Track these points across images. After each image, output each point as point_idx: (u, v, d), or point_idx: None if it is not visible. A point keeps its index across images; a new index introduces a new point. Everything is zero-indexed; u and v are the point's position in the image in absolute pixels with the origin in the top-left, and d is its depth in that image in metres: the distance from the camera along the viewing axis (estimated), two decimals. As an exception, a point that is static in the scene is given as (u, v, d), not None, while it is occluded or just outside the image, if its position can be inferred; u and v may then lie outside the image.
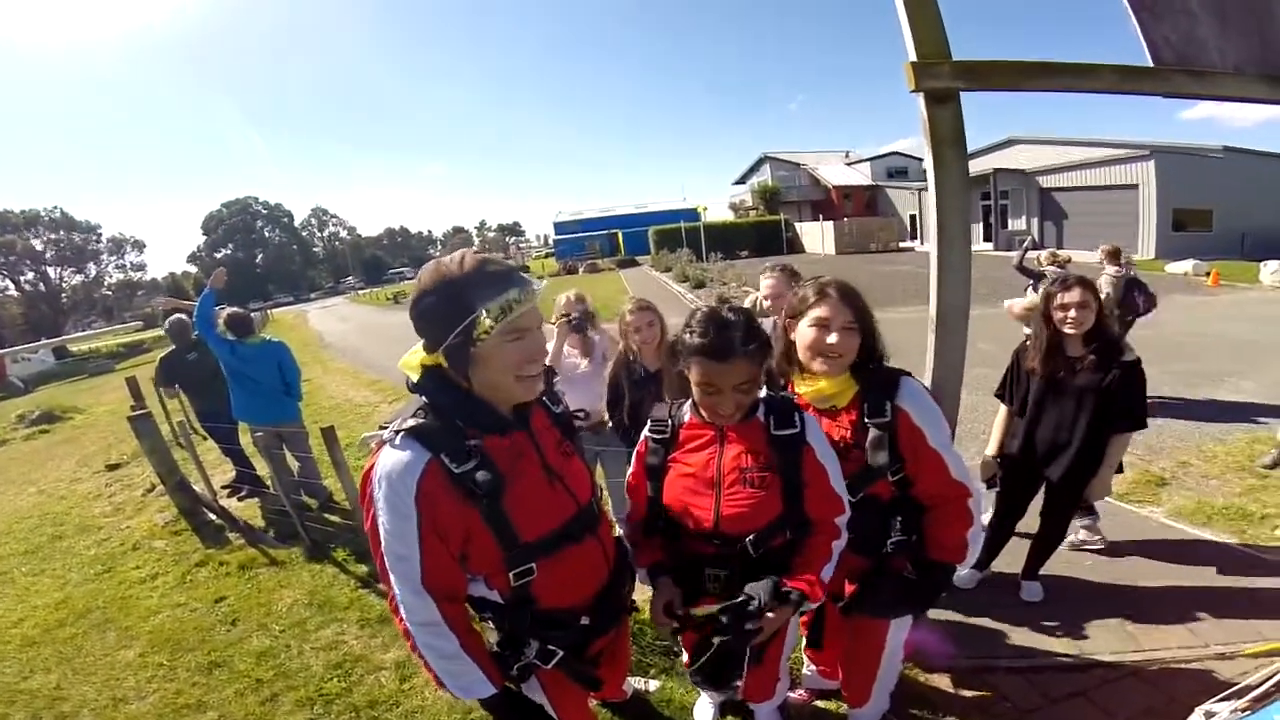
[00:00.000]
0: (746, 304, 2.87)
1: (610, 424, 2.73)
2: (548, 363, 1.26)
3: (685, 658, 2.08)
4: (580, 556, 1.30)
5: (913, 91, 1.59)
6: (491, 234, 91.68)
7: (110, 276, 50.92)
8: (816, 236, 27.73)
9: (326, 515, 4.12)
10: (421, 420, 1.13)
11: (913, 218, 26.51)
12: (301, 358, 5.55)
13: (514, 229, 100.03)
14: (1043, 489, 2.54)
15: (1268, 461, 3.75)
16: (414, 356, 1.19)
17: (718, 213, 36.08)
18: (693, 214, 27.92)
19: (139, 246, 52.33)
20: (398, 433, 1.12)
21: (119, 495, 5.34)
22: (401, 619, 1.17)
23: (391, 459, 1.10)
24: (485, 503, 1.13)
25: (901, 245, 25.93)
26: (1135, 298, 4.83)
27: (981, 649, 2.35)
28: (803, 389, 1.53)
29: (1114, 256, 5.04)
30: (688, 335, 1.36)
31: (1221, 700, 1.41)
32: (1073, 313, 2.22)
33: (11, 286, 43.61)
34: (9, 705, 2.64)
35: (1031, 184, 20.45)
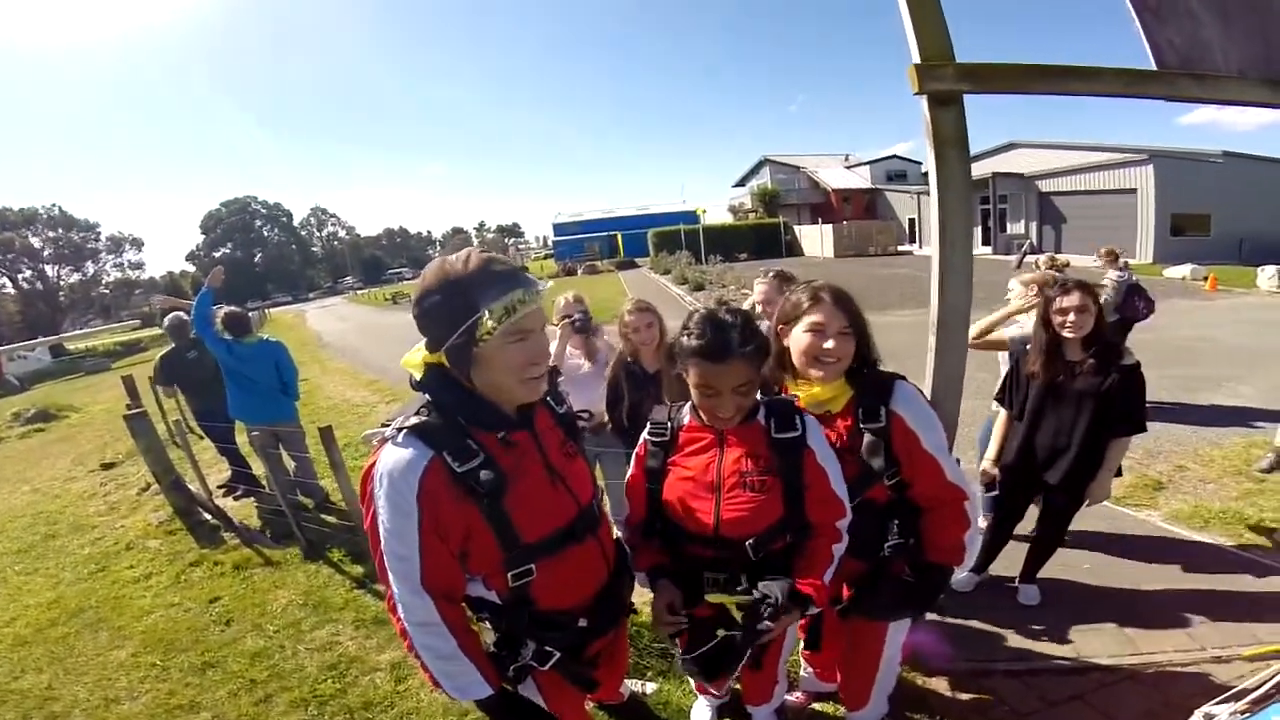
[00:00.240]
0: (745, 306, 2.87)
1: (610, 425, 2.73)
2: (551, 364, 1.25)
3: (679, 654, 2.08)
4: (580, 558, 1.29)
5: (916, 94, 1.59)
6: (490, 235, 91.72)
7: (108, 275, 50.83)
8: (815, 239, 27.76)
9: (322, 515, 4.10)
10: (424, 418, 1.12)
11: (912, 221, 26.56)
12: (299, 357, 5.55)
13: (513, 230, 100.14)
14: (1041, 493, 2.54)
15: (1264, 465, 3.76)
16: (416, 355, 1.18)
17: (717, 215, 36.15)
18: (692, 216, 27.94)
19: (137, 245, 52.29)
20: (400, 430, 1.11)
21: (114, 494, 5.32)
22: (399, 618, 1.16)
23: (393, 456, 1.10)
24: (487, 502, 1.12)
25: (900, 249, 25.97)
26: (1136, 302, 4.84)
27: (979, 652, 2.34)
28: (797, 395, 1.52)
29: (1114, 259, 5.05)
30: (685, 338, 1.35)
31: (1221, 703, 1.41)
32: (1072, 316, 2.21)
33: (9, 284, 43.49)
34: None
35: (1030, 188, 20.52)
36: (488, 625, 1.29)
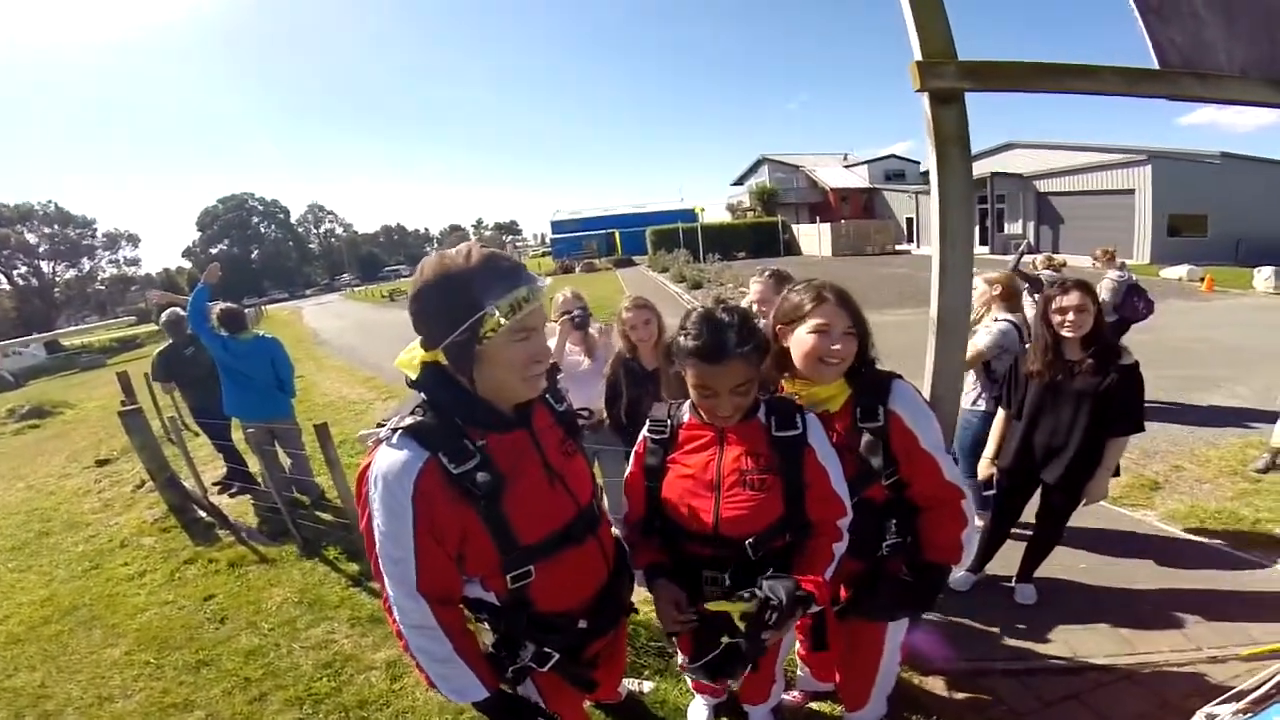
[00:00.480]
0: (744, 304, 2.85)
1: (609, 422, 2.72)
2: (550, 360, 1.23)
3: (680, 658, 2.07)
4: (579, 558, 1.27)
5: (917, 91, 1.58)
6: (488, 232, 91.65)
7: (104, 271, 50.60)
8: (814, 238, 27.77)
9: (318, 513, 4.08)
10: (420, 418, 1.10)
11: (909, 220, 26.57)
12: (296, 354, 5.52)
13: (511, 227, 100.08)
14: (1039, 492, 2.54)
15: (1260, 466, 3.77)
16: (411, 354, 1.15)
17: (715, 214, 36.11)
18: (690, 215, 27.93)
19: (133, 241, 52.06)
20: (395, 431, 1.09)
21: (108, 491, 5.29)
22: (395, 620, 1.14)
23: (388, 458, 1.07)
24: (484, 504, 1.10)
25: (898, 248, 26.00)
26: (1135, 302, 4.85)
27: (976, 651, 2.34)
28: (794, 394, 1.51)
29: (1111, 259, 5.06)
30: (682, 338, 1.34)
31: (1222, 703, 1.41)
32: (1071, 316, 2.21)
33: (4, 280, 43.23)
34: (-8, 703, 2.60)
35: (1028, 188, 20.54)
36: (486, 626, 1.27)
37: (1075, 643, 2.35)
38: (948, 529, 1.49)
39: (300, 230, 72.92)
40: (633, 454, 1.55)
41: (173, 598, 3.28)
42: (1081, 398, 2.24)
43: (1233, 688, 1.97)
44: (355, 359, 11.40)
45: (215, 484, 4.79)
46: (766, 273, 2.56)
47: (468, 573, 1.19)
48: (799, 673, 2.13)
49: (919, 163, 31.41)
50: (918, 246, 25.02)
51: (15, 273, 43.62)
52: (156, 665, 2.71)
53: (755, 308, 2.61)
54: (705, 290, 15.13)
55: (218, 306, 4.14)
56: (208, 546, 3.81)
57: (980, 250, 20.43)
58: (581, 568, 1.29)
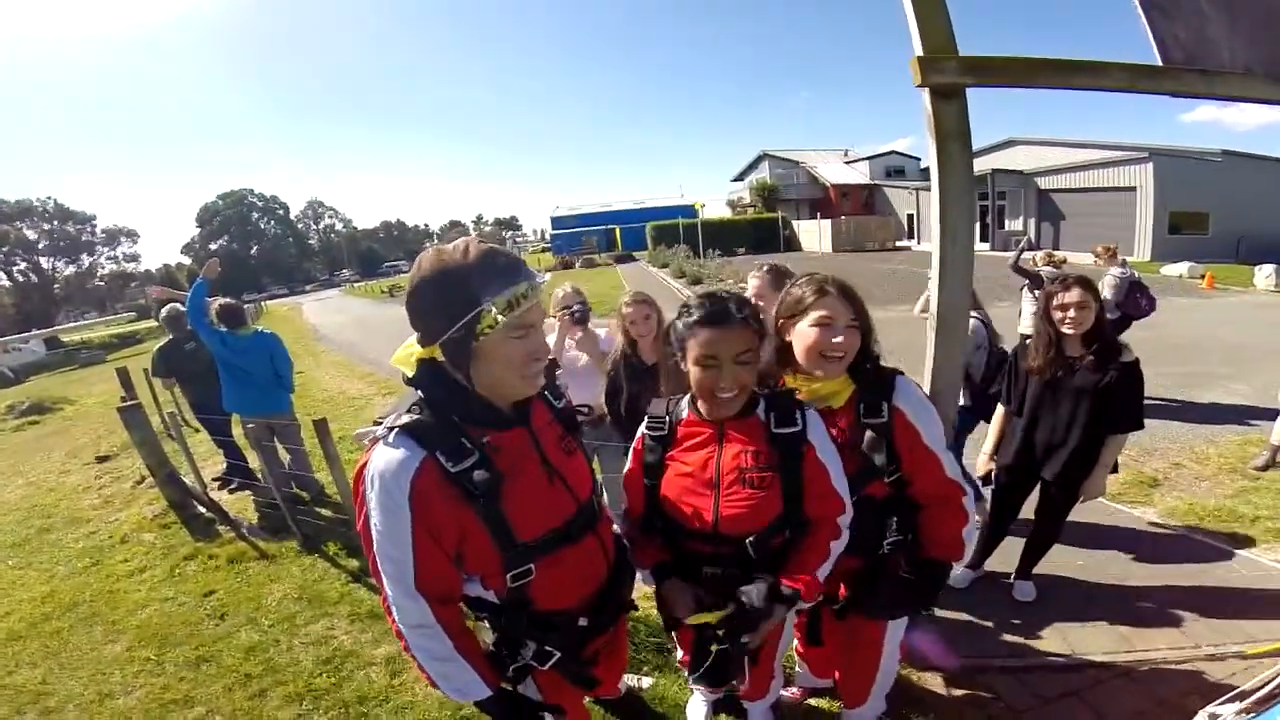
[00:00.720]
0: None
1: (609, 417, 2.71)
2: (549, 356, 1.22)
3: (680, 654, 2.08)
4: (580, 557, 1.27)
5: (919, 86, 1.57)
6: (488, 228, 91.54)
7: (103, 267, 50.60)
8: (814, 234, 27.71)
9: (318, 509, 4.09)
10: (416, 416, 1.09)
11: (910, 217, 26.52)
12: (295, 350, 5.52)
13: (511, 223, 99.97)
14: (1037, 488, 2.54)
15: (1259, 463, 3.78)
16: (408, 351, 1.14)
17: (715, 210, 36.04)
18: (690, 210, 27.83)
19: (133, 237, 51.98)
20: (391, 429, 1.08)
21: (108, 487, 5.29)
22: (394, 620, 1.14)
23: (385, 457, 1.07)
24: (482, 502, 1.09)
25: (898, 244, 25.95)
26: (1138, 299, 4.86)
27: (975, 648, 2.35)
28: (797, 389, 1.50)
29: (1113, 256, 5.05)
30: (684, 316, 1.35)
31: (1225, 703, 1.41)
32: (1072, 312, 2.21)
33: (3, 277, 43.21)
34: (-7, 700, 2.61)
35: (1030, 185, 20.49)
36: (486, 625, 1.27)
37: (1073, 640, 2.35)
38: (949, 526, 1.48)
39: (300, 226, 72.79)
40: (631, 451, 1.54)
41: (173, 594, 3.28)
42: (1081, 394, 2.24)
43: (1230, 685, 1.98)
44: (355, 355, 11.39)
45: (215, 480, 4.79)
46: (765, 268, 2.55)
47: (468, 571, 1.19)
48: (797, 669, 2.14)
49: (920, 159, 31.35)
50: (918, 243, 24.98)
51: (15, 269, 43.61)
52: (157, 661, 2.71)
53: (754, 302, 2.60)
54: (705, 286, 15.11)
55: (217, 302, 4.13)
56: (208, 542, 3.81)
57: (981, 247, 20.39)
58: (582, 566, 1.29)
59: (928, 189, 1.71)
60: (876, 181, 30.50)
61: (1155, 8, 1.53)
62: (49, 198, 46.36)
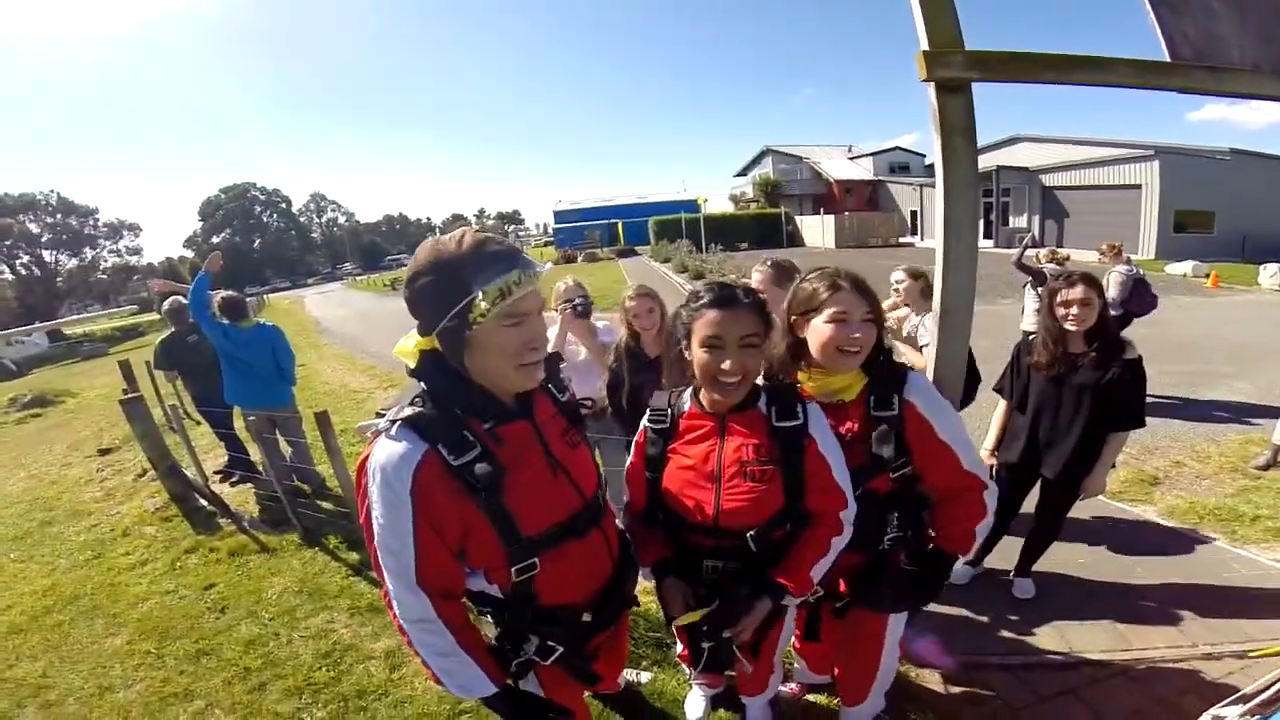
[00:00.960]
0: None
1: (610, 409, 2.71)
2: (551, 350, 1.21)
3: (679, 649, 2.08)
4: (584, 551, 1.26)
5: (924, 81, 1.55)
6: (491, 221, 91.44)
7: (106, 261, 50.60)
8: (817, 230, 27.64)
9: (319, 502, 4.09)
10: (419, 409, 1.08)
11: (914, 213, 26.42)
12: (297, 343, 5.52)
13: (513, 217, 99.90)
14: (1037, 485, 2.53)
15: (1261, 463, 3.76)
16: (409, 342, 1.14)
17: (718, 205, 35.91)
18: (693, 205, 27.76)
19: (135, 231, 51.98)
20: (393, 422, 1.08)
21: (110, 480, 5.31)
22: (395, 614, 1.14)
23: (387, 450, 1.06)
24: (484, 495, 1.08)
25: (902, 240, 25.86)
26: (1144, 296, 4.85)
27: (973, 645, 2.35)
28: (809, 385, 1.49)
29: (1118, 254, 5.03)
30: (690, 303, 1.36)
31: (1229, 705, 1.40)
32: (1075, 309, 2.20)
33: (6, 270, 43.26)
34: (-5, 692, 2.62)
35: (1034, 182, 20.39)
36: (489, 619, 1.26)
37: (1072, 638, 2.35)
38: (965, 519, 1.47)
39: (302, 219, 72.84)
40: (633, 443, 1.54)
41: (174, 587, 3.30)
42: (1083, 391, 2.23)
43: (1227, 685, 1.98)
44: (356, 347, 11.40)
45: (216, 473, 4.80)
46: (768, 262, 2.53)
47: (471, 565, 1.18)
48: (795, 665, 2.14)
49: (924, 155, 31.19)
50: (921, 239, 24.89)
51: (18, 262, 43.64)
52: (157, 655, 2.73)
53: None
54: (707, 281, 15.05)
55: (219, 295, 4.13)
56: (209, 535, 3.83)
57: (985, 244, 20.30)
58: (586, 560, 1.28)
59: (932, 185, 1.70)
60: (880, 177, 30.37)
61: (1164, 4, 1.51)
62: (52, 191, 46.39)
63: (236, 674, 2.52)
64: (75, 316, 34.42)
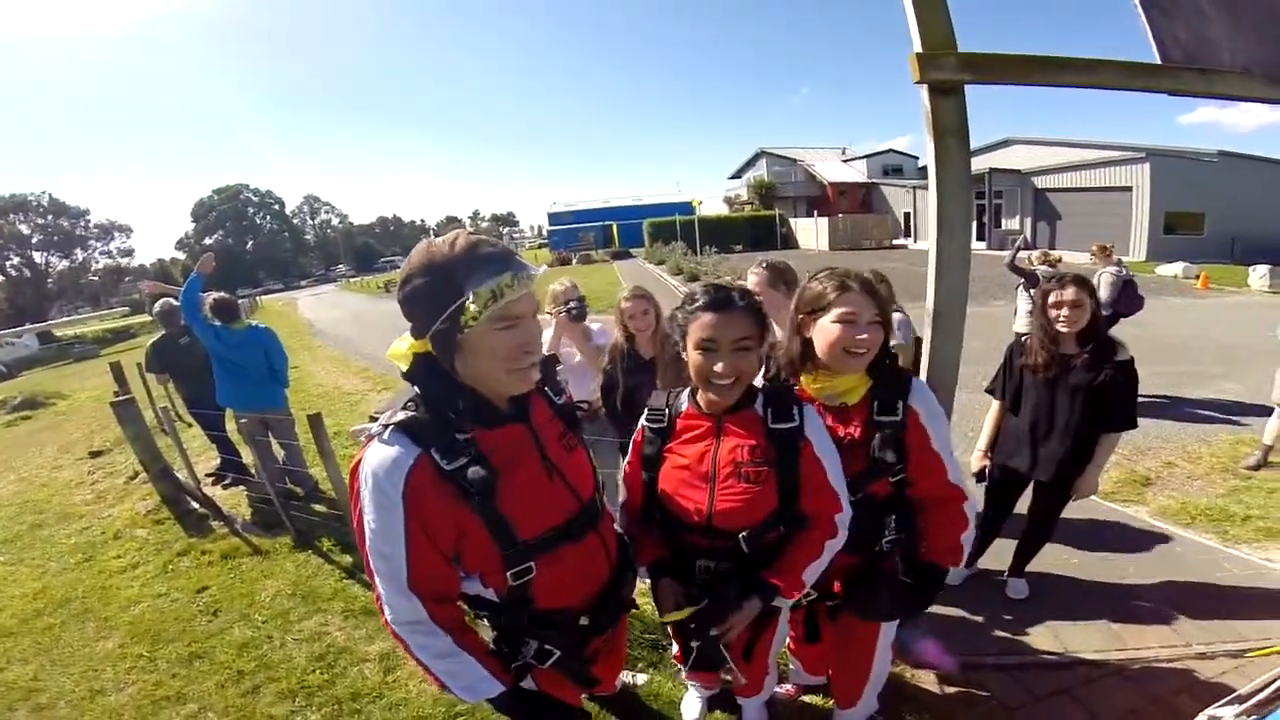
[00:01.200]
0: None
1: (604, 411, 2.70)
2: (545, 353, 1.20)
3: (675, 649, 2.08)
4: (581, 555, 1.25)
5: (917, 83, 1.56)
6: (485, 224, 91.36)
7: (97, 262, 50.15)
8: (811, 232, 27.74)
9: (312, 504, 4.07)
10: (411, 413, 1.08)
11: (907, 215, 26.56)
12: (290, 345, 5.49)
13: (508, 219, 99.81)
14: (1030, 486, 2.54)
15: (1251, 463, 3.80)
16: (403, 344, 1.13)
17: (713, 207, 36.01)
18: (687, 208, 27.83)
19: (126, 232, 51.57)
20: (386, 426, 1.07)
21: (101, 483, 5.26)
22: (387, 620, 1.12)
23: (379, 455, 1.05)
24: (478, 500, 1.08)
25: (895, 243, 25.99)
26: (1134, 296, 4.90)
27: (967, 646, 2.35)
28: (814, 387, 1.49)
29: (1108, 255, 5.07)
30: (685, 305, 1.36)
31: (1225, 705, 1.41)
32: (1066, 310, 2.22)
33: (-4, 271, 42.86)
34: (-17, 696, 2.59)
35: (1026, 184, 20.54)
36: (485, 623, 1.25)
37: (1066, 637, 2.36)
38: (949, 531, 1.48)
39: (296, 221, 72.47)
40: (631, 443, 1.54)
41: (166, 590, 3.27)
42: (1075, 393, 2.25)
43: (1221, 683, 2.00)
44: (350, 350, 11.35)
45: (209, 475, 4.77)
46: (764, 264, 2.53)
47: (467, 569, 1.17)
48: (790, 666, 2.14)
49: (917, 158, 31.35)
50: (915, 241, 25.02)
51: (8, 263, 43.22)
52: (149, 658, 2.70)
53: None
54: (687, 291, 15.04)
55: (211, 297, 4.10)
56: (201, 538, 3.79)
57: (977, 246, 20.43)
58: (583, 564, 1.27)
59: (925, 187, 1.72)
60: (874, 180, 30.52)
61: (1155, 7, 1.53)
62: (43, 192, 45.94)
63: (229, 677, 2.50)
64: (66, 318, 34.12)
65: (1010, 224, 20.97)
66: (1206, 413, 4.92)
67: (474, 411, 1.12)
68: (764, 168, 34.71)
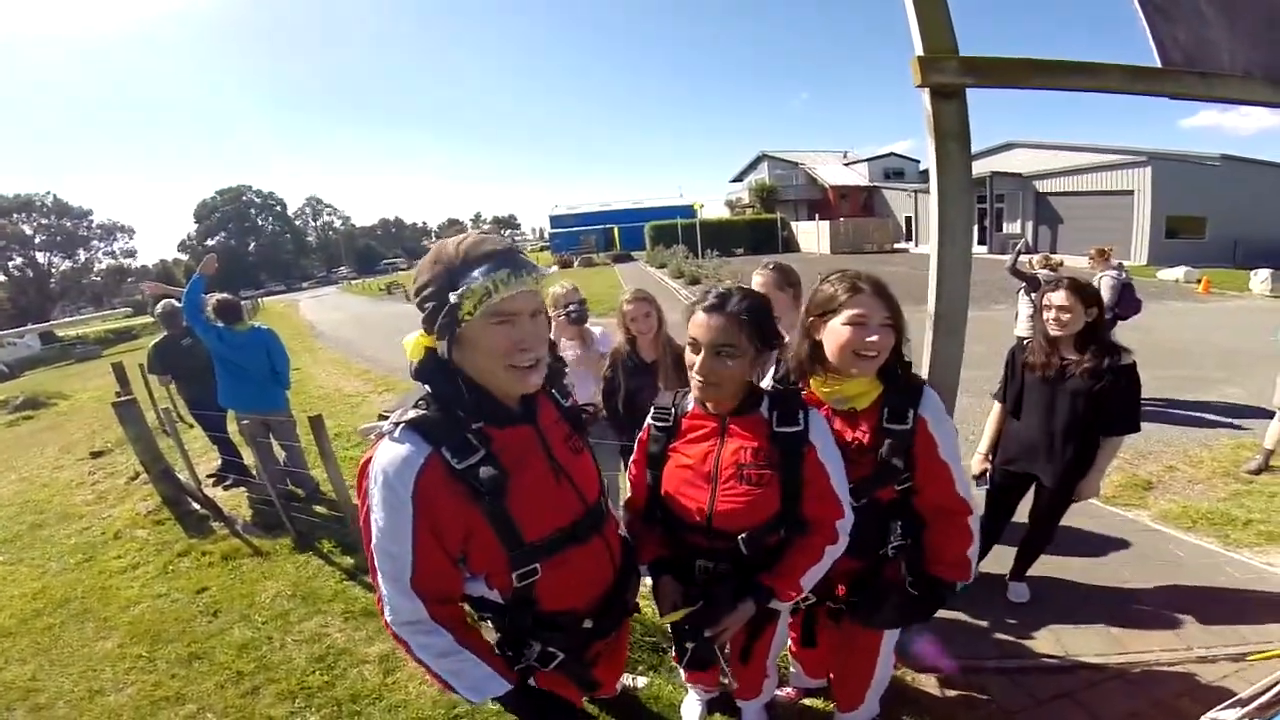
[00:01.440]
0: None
1: (605, 413, 2.70)
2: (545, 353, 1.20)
3: (674, 650, 2.08)
4: (586, 558, 1.25)
5: (918, 86, 1.57)
6: (486, 226, 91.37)
7: (100, 263, 50.27)
8: (812, 236, 27.75)
9: (313, 506, 4.07)
10: (422, 411, 1.08)
11: (908, 219, 26.57)
12: (292, 347, 5.49)
13: (509, 222, 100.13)
14: (1032, 490, 2.54)
15: (1252, 467, 3.79)
16: (417, 335, 1.15)
17: (714, 210, 36.11)
18: (689, 211, 27.84)
19: (129, 233, 51.70)
20: (397, 425, 1.07)
21: (102, 483, 5.26)
22: (387, 621, 1.12)
23: (390, 453, 1.06)
24: (487, 500, 1.08)
25: (896, 246, 26.01)
26: (1134, 299, 4.90)
27: (969, 649, 2.35)
28: (823, 390, 1.47)
29: (1106, 259, 5.08)
30: (694, 301, 1.38)
31: (1227, 708, 1.40)
32: (1053, 313, 2.23)
33: (-1, 272, 42.98)
34: (-17, 696, 2.59)
35: (1028, 188, 20.55)
36: (489, 625, 1.25)
37: (1067, 641, 2.36)
38: (954, 544, 1.46)
39: (298, 223, 72.70)
40: (637, 442, 1.54)
41: (166, 590, 3.26)
42: (1078, 396, 2.24)
43: (1223, 688, 1.99)
44: (351, 352, 11.34)
45: (210, 476, 4.77)
46: (770, 265, 2.52)
47: (472, 570, 1.17)
48: (791, 669, 2.13)
49: (919, 161, 31.39)
50: (916, 245, 25.02)
51: (11, 264, 43.33)
52: (149, 658, 2.70)
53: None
54: (703, 286, 15.07)
55: (214, 298, 4.11)
56: (201, 539, 3.79)
57: (979, 250, 20.44)
58: (588, 567, 1.27)
59: (926, 191, 1.72)
60: (875, 183, 30.55)
61: (1156, 10, 1.53)
62: (48, 192, 46.07)
63: (229, 678, 2.50)
64: (68, 319, 34.22)
65: (1011, 228, 20.98)
66: (1208, 417, 4.91)
67: (484, 410, 1.12)
68: (765, 171, 34.76)
